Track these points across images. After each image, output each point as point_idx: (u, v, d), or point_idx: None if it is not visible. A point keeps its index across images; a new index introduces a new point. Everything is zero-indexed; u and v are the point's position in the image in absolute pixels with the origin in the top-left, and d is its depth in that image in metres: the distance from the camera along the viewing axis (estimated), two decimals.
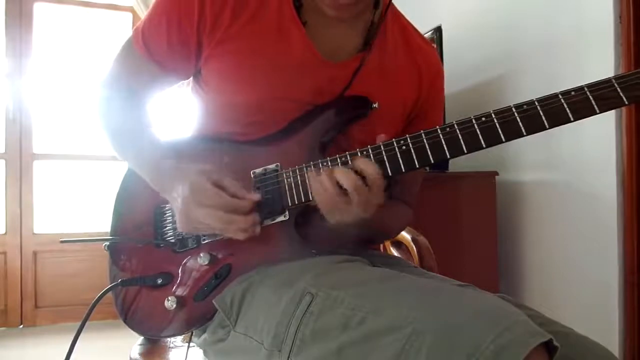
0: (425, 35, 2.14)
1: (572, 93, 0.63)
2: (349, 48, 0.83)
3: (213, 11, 0.77)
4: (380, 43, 0.85)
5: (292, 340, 0.61)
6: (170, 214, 0.82)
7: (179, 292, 0.78)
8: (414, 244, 1.09)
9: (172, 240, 0.80)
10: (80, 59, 3.19)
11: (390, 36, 0.87)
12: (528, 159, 1.96)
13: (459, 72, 2.26)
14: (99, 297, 0.80)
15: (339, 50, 0.82)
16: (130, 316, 0.81)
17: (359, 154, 0.70)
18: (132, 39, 0.83)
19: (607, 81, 0.62)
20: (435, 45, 2.14)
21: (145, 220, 0.83)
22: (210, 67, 0.81)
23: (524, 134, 0.64)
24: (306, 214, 0.77)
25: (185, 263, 0.79)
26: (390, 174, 0.69)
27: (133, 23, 3.29)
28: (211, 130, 0.83)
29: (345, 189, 0.66)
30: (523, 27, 1.97)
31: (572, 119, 0.63)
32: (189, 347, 0.85)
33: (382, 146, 0.70)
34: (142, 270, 0.81)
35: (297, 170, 0.74)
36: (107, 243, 0.84)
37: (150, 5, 0.83)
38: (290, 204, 0.74)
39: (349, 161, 0.71)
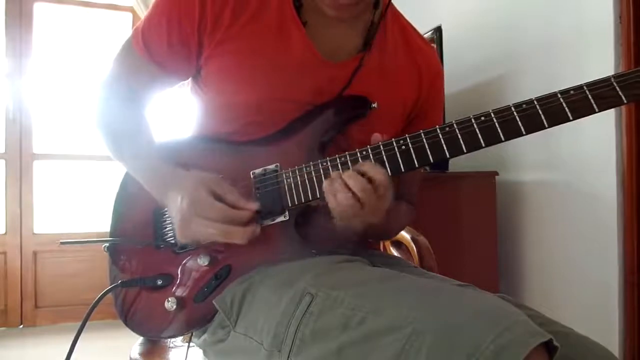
0: (425, 35, 2.14)
1: (571, 92, 0.63)
2: (349, 48, 0.83)
3: (214, 11, 0.77)
4: (380, 43, 0.85)
5: (292, 340, 0.61)
6: (169, 215, 0.82)
7: (179, 293, 0.78)
8: (414, 243, 1.09)
9: (172, 241, 0.80)
10: (80, 59, 3.18)
11: (390, 36, 0.87)
12: (528, 159, 1.96)
13: (459, 72, 2.26)
14: (98, 298, 0.80)
15: (338, 50, 0.82)
16: (130, 317, 0.81)
17: (358, 154, 0.70)
18: (131, 40, 0.82)
19: (606, 80, 0.62)
20: (435, 45, 2.14)
21: (145, 221, 0.83)
22: (210, 67, 0.81)
23: (523, 133, 0.64)
24: (306, 214, 0.77)
25: (185, 264, 0.79)
26: (390, 174, 0.69)
27: (133, 23, 3.28)
28: (210, 130, 0.83)
29: (358, 197, 0.66)
30: (523, 27, 1.97)
31: (571, 118, 0.63)
32: (189, 347, 0.85)
33: (381, 146, 0.70)
34: (142, 271, 0.81)
35: (297, 171, 0.74)
36: (107, 244, 0.84)
37: (150, 5, 0.83)
38: (290, 205, 0.74)
39: (348, 161, 0.70)
